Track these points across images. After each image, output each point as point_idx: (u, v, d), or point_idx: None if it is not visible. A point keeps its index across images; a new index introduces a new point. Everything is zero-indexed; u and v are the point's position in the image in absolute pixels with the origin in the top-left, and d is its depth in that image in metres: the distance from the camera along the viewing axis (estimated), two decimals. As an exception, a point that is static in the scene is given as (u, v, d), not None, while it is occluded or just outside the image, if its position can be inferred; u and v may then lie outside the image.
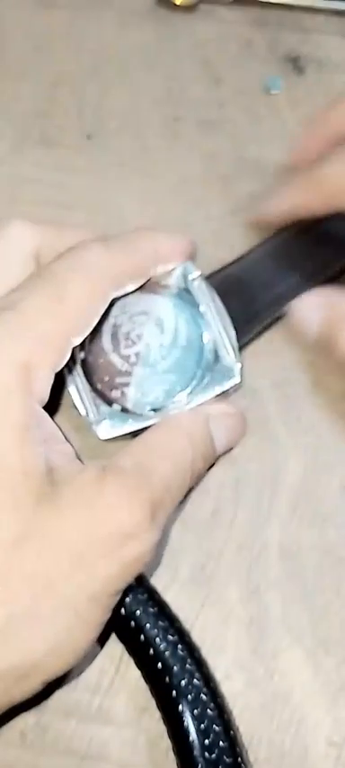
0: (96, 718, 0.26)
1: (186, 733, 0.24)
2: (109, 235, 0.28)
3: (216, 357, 0.29)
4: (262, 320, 0.31)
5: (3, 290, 0.26)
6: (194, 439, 0.27)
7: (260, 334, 0.31)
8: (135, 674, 0.26)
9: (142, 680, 0.26)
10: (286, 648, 0.27)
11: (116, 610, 0.25)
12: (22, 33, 0.40)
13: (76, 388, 0.28)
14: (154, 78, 0.39)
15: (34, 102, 0.38)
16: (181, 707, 0.24)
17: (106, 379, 0.28)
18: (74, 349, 0.28)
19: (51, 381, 0.25)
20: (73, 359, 0.28)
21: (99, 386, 0.28)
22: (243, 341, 0.30)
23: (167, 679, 0.24)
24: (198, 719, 0.24)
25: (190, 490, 0.28)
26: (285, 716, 0.26)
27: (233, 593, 0.28)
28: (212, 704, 0.24)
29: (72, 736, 0.26)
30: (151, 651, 0.25)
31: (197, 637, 0.26)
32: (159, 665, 0.25)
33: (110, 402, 0.28)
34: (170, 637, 0.25)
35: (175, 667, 0.24)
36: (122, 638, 0.26)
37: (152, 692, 0.25)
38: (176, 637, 0.25)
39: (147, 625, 0.25)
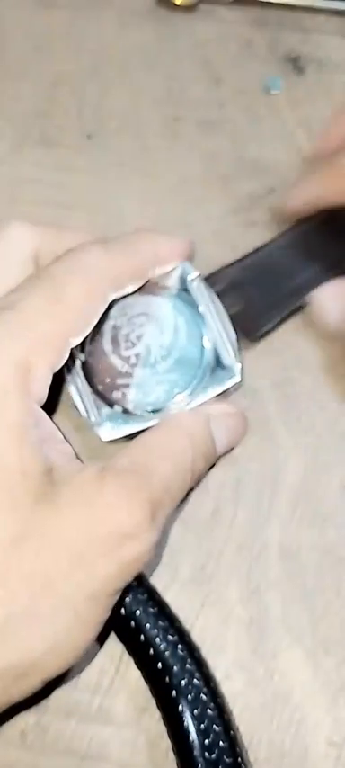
0: (96, 718, 0.26)
1: (186, 733, 0.24)
2: (109, 235, 0.28)
3: (217, 357, 0.29)
4: (283, 310, 0.31)
5: (2, 290, 0.26)
6: (195, 439, 0.27)
7: (280, 323, 0.31)
8: (135, 674, 0.26)
9: (142, 680, 0.26)
10: (286, 648, 0.27)
11: (116, 609, 0.25)
12: (22, 33, 0.40)
13: (77, 390, 0.28)
14: (154, 78, 0.39)
15: (34, 102, 0.38)
16: (181, 707, 0.24)
17: (107, 380, 0.28)
18: (74, 351, 0.28)
19: (49, 381, 0.25)
20: (73, 361, 0.28)
21: (100, 387, 0.28)
22: (264, 330, 0.31)
23: (167, 679, 0.24)
24: (198, 719, 0.24)
25: (191, 490, 0.28)
26: (285, 716, 0.26)
27: (233, 593, 0.28)
28: (212, 704, 0.24)
29: (72, 736, 0.26)
30: (151, 651, 0.25)
31: (197, 637, 0.26)
32: (159, 665, 0.25)
33: (111, 403, 0.28)
34: (170, 637, 0.25)
35: (175, 667, 0.24)
36: (122, 638, 0.26)
37: (152, 692, 0.25)
38: (176, 637, 0.25)
39: (147, 625, 0.25)
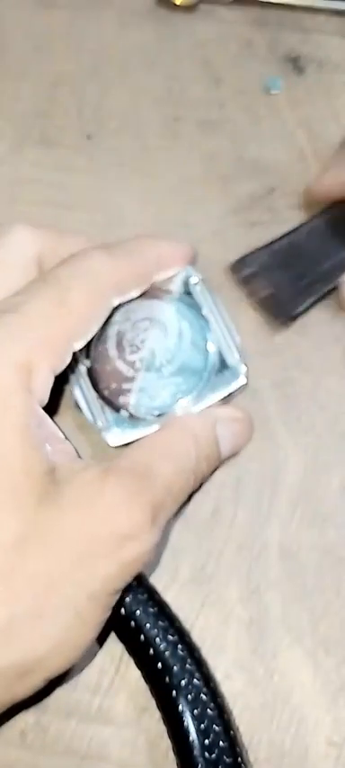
0: (96, 718, 0.26)
1: (186, 733, 0.24)
2: (109, 234, 0.29)
3: (221, 359, 0.29)
4: (312, 294, 0.32)
5: (5, 293, 0.27)
6: (199, 441, 0.27)
7: (309, 308, 0.32)
8: (135, 674, 0.26)
9: (142, 680, 0.26)
10: (286, 648, 0.27)
11: (116, 609, 0.25)
12: (22, 33, 0.40)
13: (84, 396, 0.29)
14: (154, 78, 0.39)
15: (34, 102, 0.38)
16: (181, 707, 0.24)
17: (113, 385, 0.29)
18: (79, 357, 0.28)
19: (51, 383, 0.26)
20: (79, 367, 0.28)
21: (106, 393, 0.29)
22: (294, 314, 0.31)
23: (167, 679, 0.24)
24: (198, 719, 0.24)
25: (192, 491, 0.28)
26: (285, 716, 0.26)
27: (233, 593, 0.28)
28: (212, 704, 0.24)
29: (72, 736, 0.26)
30: (151, 651, 0.25)
31: (197, 637, 0.26)
32: (159, 665, 0.25)
33: (117, 408, 0.28)
34: (170, 637, 0.25)
35: (175, 667, 0.24)
36: (122, 638, 0.26)
37: (152, 692, 0.25)
38: (176, 637, 0.25)
39: (147, 625, 0.25)
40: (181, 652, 0.25)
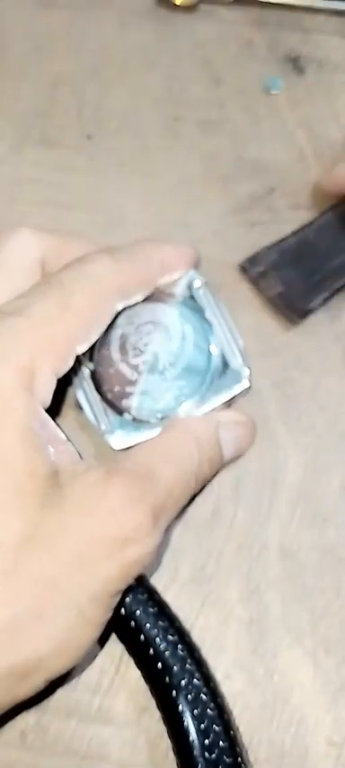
0: (96, 718, 0.26)
1: (186, 733, 0.24)
2: (108, 234, 0.29)
3: (225, 362, 0.29)
4: (323, 290, 0.32)
5: (8, 295, 0.27)
6: (201, 444, 0.27)
7: (322, 304, 0.32)
8: (135, 674, 0.26)
9: (142, 680, 0.26)
10: (286, 648, 0.27)
11: (116, 610, 0.25)
12: (22, 33, 0.40)
13: (87, 399, 0.29)
14: (154, 78, 0.39)
15: (34, 102, 0.38)
16: (181, 707, 0.24)
17: (116, 389, 0.29)
18: (83, 360, 0.29)
19: (53, 386, 0.26)
20: (82, 370, 0.29)
21: (109, 396, 0.29)
22: (305, 311, 0.31)
23: (167, 679, 0.24)
24: (198, 719, 0.24)
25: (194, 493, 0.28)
26: (285, 716, 0.26)
27: (233, 593, 0.28)
28: (212, 704, 0.24)
29: (72, 736, 0.26)
30: (151, 651, 0.25)
31: (197, 637, 0.26)
32: (159, 665, 0.25)
33: (121, 411, 0.28)
34: (170, 637, 0.25)
35: (175, 667, 0.24)
36: (122, 638, 0.26)
37: (152, 692, 0.25)
38: (176, 637, 0.25)
39: (147, 625, 0.25)
40: (181, 652, 0.25)
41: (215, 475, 0.29)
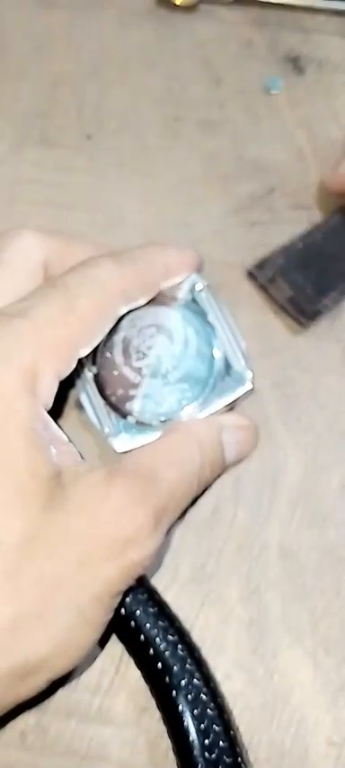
0: (96, 718, 0.26)
1: (186, 733, 0.24)
2: (108, 234, 0.28)
3: (227, 365, 0.29)
4: (333, 292, 0.32)
5: (11, 297, 0.27)
6: (204, 446, 0.27)
7: (332, 307, 0.32)
8: (135, 674, 0.26)
9: (142, 680, 0.26)
10: (286, 648, 0.27)
11: (116, 610, 0.25)
12: (22, 33, 0.40)
13: (90, 403, 0.29)
14: (154, 78, 0.39)
15: (34, 102, 0.38)
16: (181, 707, 0.24)
17: (119, 392, 0.29)
18: (86, 364, 0.29)
19: (56, 388, 0.26)
20: (85, 373, 0.29)
21: (113, 399, 0.29)
22: (315, 315, 0.31)
23: (167, 679, 0.24)
24: (198, 719, 0.24)
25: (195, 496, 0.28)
26: (285, 716, 0.26)
27: (233, 592, 0.28)
28: (212, 704, 0.24)
29: (72, 737, 0.26)
30: (151, 651, 0.25)
31: (197, 637, 0.26)
32: (159, 665, 0.25)
33: (124, 414, 0.28)
34: (170, 637, 0.25)
35: (175, 667, 0.24)
36: (122, 638, 0.26)
37: (152, 692, 0.25)
38: (176, 637, 0.25)
39: (147, 625, 0.25)
40: (181, 652, 0.25)
41: (217, 478, 0.29)
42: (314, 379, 0.31)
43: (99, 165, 0.36)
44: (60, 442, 0.26)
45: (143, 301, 0.29)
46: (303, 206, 0.35)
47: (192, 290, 0.31)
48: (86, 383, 0.29)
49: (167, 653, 0.25)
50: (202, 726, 0.24)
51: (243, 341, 0.30)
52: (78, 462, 0.26)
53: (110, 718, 0.26)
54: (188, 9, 0.40)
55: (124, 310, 0.28)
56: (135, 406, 0.28)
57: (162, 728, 0.25)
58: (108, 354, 0.29)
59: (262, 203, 0.35)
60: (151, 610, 0.25)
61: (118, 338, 0.30)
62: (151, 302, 0.30)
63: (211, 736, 0.24)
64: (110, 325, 0.28)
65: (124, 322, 0.29)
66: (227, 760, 0.24)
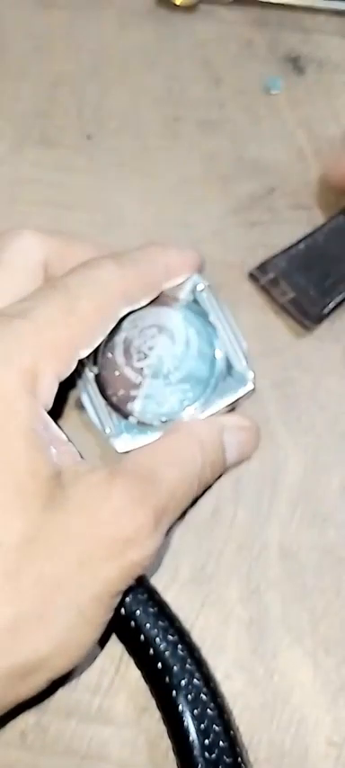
0: (96, 718, 0.26)
1: (186, 733, 0.24)
2: (108, 234, 0.28)
3: (229, 365, 0.29)
4: (335, 294, 0.32)
5: (11, 297, 0.27)
6: (205, 446, 0.27)
7: (335, 308, 0.32)
8: (135, 674, 0.26)
9: (142, 680, 0.26)
10: (286, 648, 0.27)
11: (116, 610, 0.25)
12: (22, 33, 0.40)
13: (92, 403, 0.29)
14: (154, 78, 0.39)
15: (34, 102, 0.38)
16: (181, 707, 0.24)
17: (121, 392, 0.29)
18: (87, 364, 0.29)
19: (55, 389, 0.26)
20: (86, 374, 0.29)
21: (114, 399, 0.29)
22: (318, 316, 0.31)
23: (167, 679, 0.24)
24: (198, 719, 0.24)
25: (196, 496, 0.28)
26: (285, 716, 0.26)
27: (233, 593, 0.28)
28: (212, 704, 0.24)
29: (72, 736, 0.26)
30: (151, 651, 0.25)
31: (197, 637, 0.26)
32: (159, 665, 0.25)
33: (126, 415, 0.28)
34: (170, 637, 0.25)
35: (175, 667, 0.24)
36: (122, 638, 0.26)
37: (152, 692, 0.25)
38: (176, 637, 0.25)
39: (147, 625, 0.25)
40: (181, 652, 0.25)
41: (218, 478, 0.29)
42: (315, 380, 0.31)
43: (99, 165, 0.36)
44: (60, 443, 0.26)
45: (144, 302, 0.29)
46: (303, 206, 0.35)
47: (194, 290, 0.31)
48: (88, 383, 0.29)
49: (167, 653, 0.25)
50: (202, 726, 0.24)
51: (244, 341, 0.30)
52: (78, 462, 0.26)
53: (110, 718, 0.26)
54: (188, 9, 0.40)
55: (125, 311, 0.28)
56: (136, 407, 0.28)
57: (162, 728, 0.25)
58: (109, 355, 0.29)
59: (262, 203, 0.35)
60: (151, 610, 0.25)
61: (119, 339, 0.30)
62: (152, 303, 0.30)
63: (211, 736, 0.24)
64: (112, 327, 0.28)
65: (125, 323, 0.29)
66: (227, 760, 0.24)
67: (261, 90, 0.38)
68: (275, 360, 0.31)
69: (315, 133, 0.37)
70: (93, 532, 0.23)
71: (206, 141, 0.37)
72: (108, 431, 0.28)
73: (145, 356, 0.29)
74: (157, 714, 0.25)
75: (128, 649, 0.26)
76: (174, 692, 0.24)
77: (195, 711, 0.24)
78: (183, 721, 0.24)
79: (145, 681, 0.25)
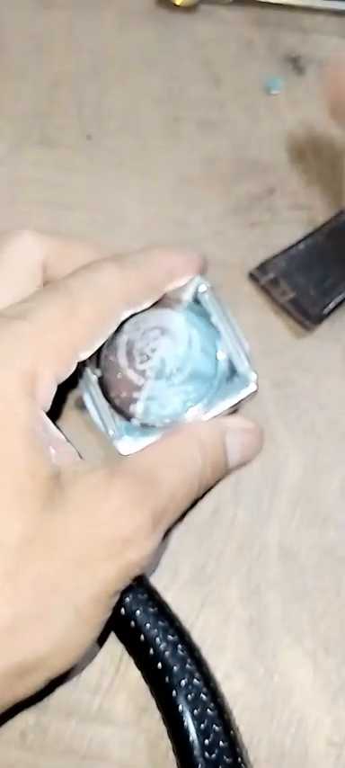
0: (96, 718, 0.26)
1: (186, 733, 0.24)
2: (108, 234, 0.28)
3: (231, 367, 0.29)
4: (337, 294, 0.32)
5: (11, 298, 0.27)
6: (206, 448, 0.27)
7: (335, 308, 0.32)
8: (135, 674, 0.26)
9: (142, 680, 0.26)
10: (286, 648, 0.27)
11: (116, 610, 0.25)
12: (22, 33, 0.40)
13: (94, 406, 0.29)
14: (154, 78, 0.39)
15: (34, 102, 0.38)
16: (181, 707, 0.24)
17: (124, 394, 0.29)
18: (90, 366, 0.29)
19: (54, 391, 0.26)
20: (89, 376, 0.29)
21: (117, 402, 0.29)
22: (319, 316, 0.31)
23: (167, 679, 0.24)
24: (198, 719, 0.24)
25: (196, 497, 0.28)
26: (285, 716, 0.26)
27: (233, 593, 0.28)
28: (212, 704, 0.24)
29: (72, 736, 0.26)
30: (151, 651, 0.25)
31: (197, 637, 0.26)
32: (159, 665, 0.25)
33: (128, 417, 0.28)
34: (170, 637, 0.25)
35: (175, 667, 0.24)
36: (122, 638, 0.26)
37: (152, 692, 0.25)
38: (176, 637, 0.25)
39: (147, 625, 0.25)
40: (181, 652, 0.25)
41: (219, 480, 0.29)
42: (315, 380, 0.31)
43: (99, 165, 0.36)
44: (59, 443, 0.26)
45: (146, 305, 0.29)
46: (303, 206, 0.35)
47: (196, 291, 0.31)
48: (90, 386, 0.29)
49: (167, 653, 0.25)
50: (202, 726, 0.24)
51: (246, 342, 0.30)
52: (77, 462, 0.26)
53: (110, 718, 0.26)
54: (188, 9, 0.40)
55: (127, 314, 0.28)
56: (139, 409, 0.28)
57: (162, 728, 0.25)
58: (111, 357, 0.29)
59: (262, 203, 0.35)
60: (151, 610, 0.25)
61: (121, 341, 0.30)
62: (155, 304, 0.30)
63: (211, 736, 0.24)
64: (113, 329, 0.28)
65: (128, 325, 0.29)
66: (227, 760, 0.24)
67: (261, 90, 0.38)
68: (275, 360, 0.31)
69: (315, 133, 0.37)
70: (92, 532, 0.23)
71: (206, 141, 0.37)
72: (111, 433, 0.28)
73: (148, 358, 0.29)
74: (157, 714, 0.25)
75: (128, 649, 0.26)
76: (174, 692, 0.24)
77: (195, 711, 0.24)
78: (183, 721, 0.24)
79: (145, 681, 0.25)
